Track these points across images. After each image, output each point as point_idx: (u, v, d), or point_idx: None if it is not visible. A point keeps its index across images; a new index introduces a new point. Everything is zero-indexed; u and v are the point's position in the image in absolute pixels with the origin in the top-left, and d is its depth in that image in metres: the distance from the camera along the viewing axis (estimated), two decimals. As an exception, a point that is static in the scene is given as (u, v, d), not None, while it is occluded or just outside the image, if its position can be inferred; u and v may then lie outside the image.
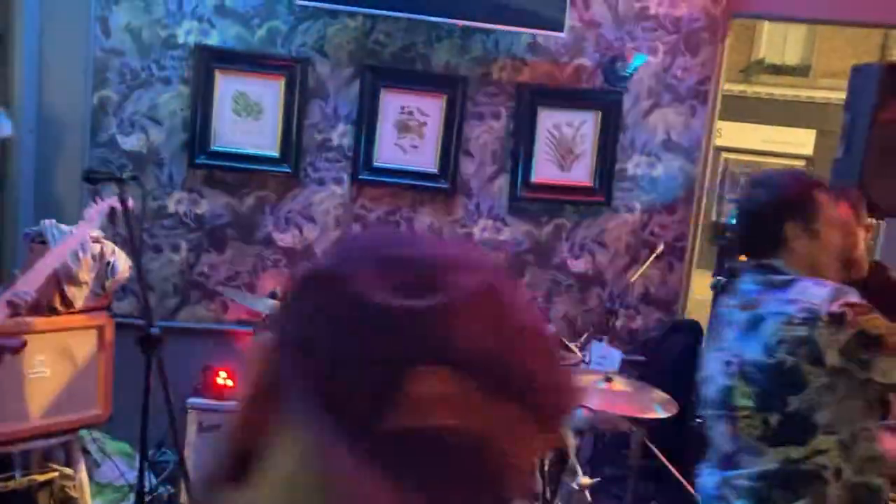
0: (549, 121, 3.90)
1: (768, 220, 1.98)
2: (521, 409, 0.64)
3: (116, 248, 3.35)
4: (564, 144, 3.93)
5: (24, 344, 2.54)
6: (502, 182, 3.94)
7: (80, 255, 3.22)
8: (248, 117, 3.72)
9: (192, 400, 3.39)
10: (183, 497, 3.43)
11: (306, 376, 0.64)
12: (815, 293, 1.83)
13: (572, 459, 2.62)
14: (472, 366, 0.62)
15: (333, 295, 0.65)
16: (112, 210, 2.89)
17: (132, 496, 3.49)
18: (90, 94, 3.65)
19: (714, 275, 3.83)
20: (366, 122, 3.77)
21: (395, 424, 0.61)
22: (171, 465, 3.60)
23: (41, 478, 3.46)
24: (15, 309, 2.45)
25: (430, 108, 3.83)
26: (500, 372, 0.63)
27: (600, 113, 3.92)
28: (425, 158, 3.85)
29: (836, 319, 1.77)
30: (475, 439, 0.62)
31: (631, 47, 3.91)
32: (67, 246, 2.74)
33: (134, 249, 2.74)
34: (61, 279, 3.17)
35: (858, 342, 1.76)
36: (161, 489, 3.51)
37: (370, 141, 3.78)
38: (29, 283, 2.52)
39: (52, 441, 3.33)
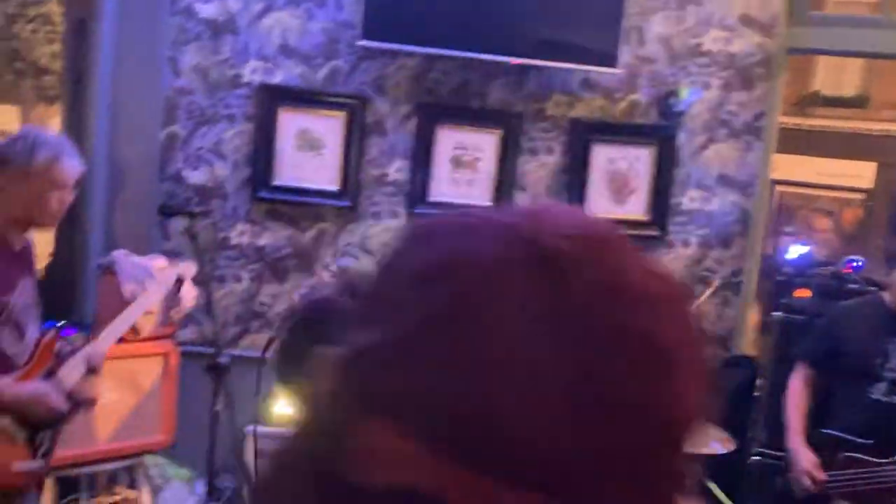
0: (603, 156, 3.93)
1: None
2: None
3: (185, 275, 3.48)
4: (619, 179, 3.96)
5: (97, 400, 2.63)
6: (556, 216, 3.97)
7: (148, 285, 3.36)
8: (310, 153, 3.84)
9: (251, 427, 3.47)
10: (240, 523, 3.51)
11: None
12: None
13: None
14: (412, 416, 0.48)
15: None
16: (179, 278, 3.06)
17: None
18: (159, 130, 3.81)
19: (770, 311, 3.79)
20: (421, 158, 3.86)
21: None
22: (230, 492, 3.68)
23: (106, 500, 3.57)
24: (93, 371, 2.54)
25: (485, 144, 3.90)
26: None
27: (655, 148, 3.94)
28: (480, 193, 3.91)
29: None
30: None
31: (685, 83, 3.93)
32: (140, 306, 2.85)
33: (204, 280, 2.85)
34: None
35: None
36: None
37: (425, 176, 3.86)
38: (106, 342, 2.63)
39: (118, 465, 3.44)
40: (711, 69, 3.96)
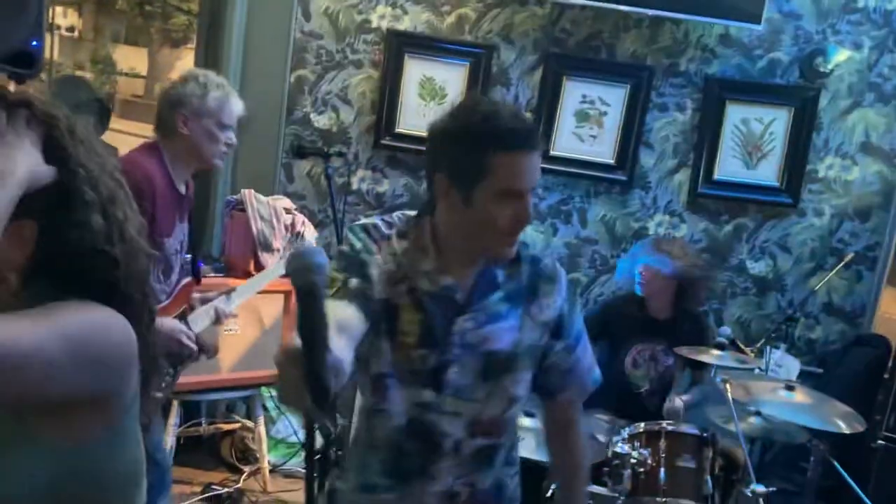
0: (737, 115, 3.75)
1: None
2: None
3: (306, 220, 3.56)
4: (752, 141, 3.77)
5: (217, 351, 2.72)
6: (682, 177, 3.83)
7: (275, 224, 3.45)
8: (432, 102, 3.83)
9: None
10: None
11: None
12: None
13: (746, 464, 2.53)
14: None
15: None
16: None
17: (302, 453, 3.71)
18: (288, 73, 3.87)
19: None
20: (546, 110, 3.78)
21: None
22: (339, 429, 3.79)
23: (225, 427, 3.75)
24: (219, 320, 2.62)
25: (612, 98, 3.78)
26: None
27: (793, 110, 3.73)
28: (604, 149, 3.81)
29: None
30: None
31: (833, 41, 3.68)
32: (261, 283, 2.88)
33: (336, 222, 2.90)
34: (257, 246, 3.41)
35: None
36: (329, 451, 3.70)
37: (549, 128, 3.78)
38: (235, 302, 2.67)
39: (237, 394, 3.60)
40: (864, 27, 3.69)
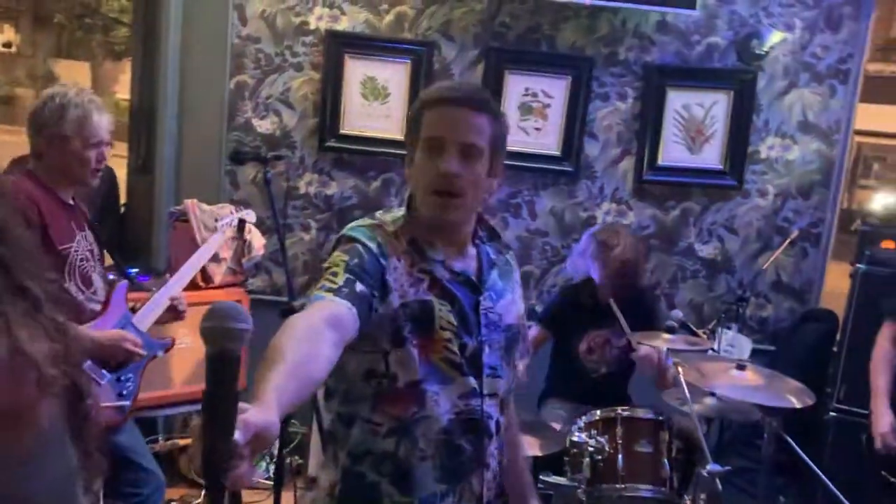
0: (678, 101, 3.79)
1: None
2: None
3: (252, 227, 3.51)
4: (694, 126, 3.82)
5: (174, 343, 2.73)
6: (627, 165, 3.87)
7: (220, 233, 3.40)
8: (375, 101, 3.80)
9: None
10: (310, 467, 3.58)
11: None
12: None
13: (702, 446, 2.55)
14: None
15: None
16: (241, 223, 3.14)
17: (263, 464, 3.66)
18: (227, 79, 3.82)
19: (852, 263, 3.64)
20: (490, 105, 3.77)
21: None
22: (299, 437, 3.75)
23: (182, 442, 3.68)
24: (177, 315, 2.64)
25: (555, 90, 3.80)
26: None
27: (732, 93, 3.78)
28: (548, 141, 3.83)
29: None
30: None
31: (766, 24, 3.75)
32: (199, 262, 2.92)
33: (277, 227, 2.89)
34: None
35: None
36: (288, 459, 3.66)
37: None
38: (179, 285, 2.70)
39: (193, 408, 3.53)
40: (795, 9, 3.76)
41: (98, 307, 2.49)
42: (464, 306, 1.54)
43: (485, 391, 1.56)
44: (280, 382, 1.12)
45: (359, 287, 1.40)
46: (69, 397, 1.06)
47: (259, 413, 1.00)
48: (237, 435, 0.93)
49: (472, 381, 1.54)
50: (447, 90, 1.54)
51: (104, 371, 2.49)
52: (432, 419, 1.51)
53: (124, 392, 2.55)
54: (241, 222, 3.19)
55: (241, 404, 0.96)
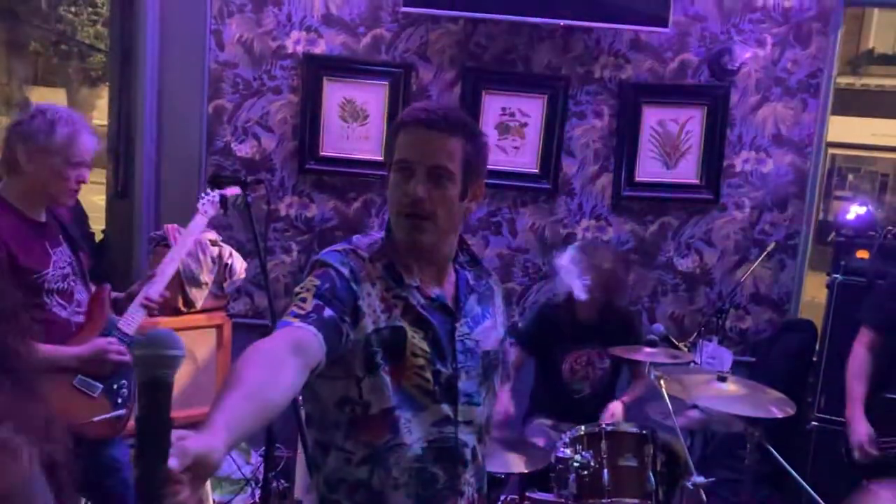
0: (653, 118, 3.84)
1: None
2: None
3: (233, 251, 3.51)
4: (669, 141, 3.87)
5: None
6: (605, 181, 3.91)
7: (201, 257, 3.39)
8: (354, 123, 3.82)
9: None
10: (296, 491, 3.55)
11: None
12: None
13: (686, 458, 2.57)
14: None
15: None
16: (223, 198, 2.97)
17: (248, 489, 3.64)
18: (206, 104, 3.83)
19: (829, 274, 3.69)
20: (468, 125, 3.80)
21: None
22: (284, 461, 3.73)
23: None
24: (150, 312, 2.62)
25: (531, 109, 3.84)
26: None
27: (706, 108, 3.84)
28: (527, 159, 3.86)
29: None
30: None
31: (738, 40, 3.82)
32: (185, 244, 2.89)
33: (258, 250, 2.87)
34: (184, 281, 3.34)
35: None
36: (274, 483, 3.63)
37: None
38: (157, 285, 2.67)
39: (181, 432, 3.50)
40: (765, 25, 3.83)
41: (83, 319, 2.48)
42: (438, 333, 1.53)
43: (459, 418, 1.55)
44: (235, 407, 1.12)
45: (327, 312, 1.39)
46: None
47: (200, 439, 1.00)
48: (171, 461, 0.92)
49: (446, 409, 1.53)
50: (419, 112, 1.53)
51: (96, 382, 2.47)
52: (405, 447, 1.50)
53: (119, 400, 2.53)
54: (223, 198, 3.03)
55: (181, 431, 0.95)
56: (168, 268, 2.74)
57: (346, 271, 1.47)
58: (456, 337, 1.55)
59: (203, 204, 2.93)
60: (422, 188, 1.47)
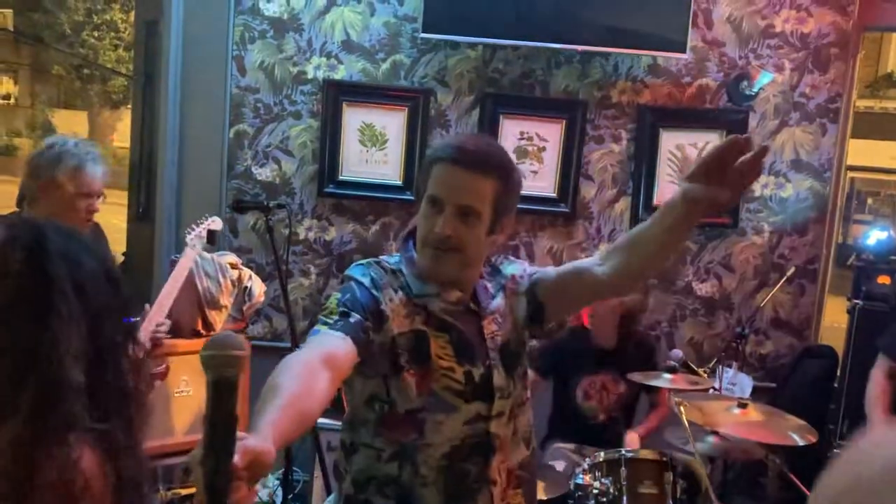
0: (671, 142, 3.85)
1: None
2: None
3: (253, 274, 3.53)
4: (687, 166, 3.86)
5: (168, 369, 2.73)
6: (623, 205, 3.91)
7: (221, 280, 3.41)
8: (374, 147, 3.85)
9: (320, 421, 3.50)
10: (313, 515, 3.54)
11: None
12: None
13: (707, 486, 2.55)
14: None
15: None
16: (210, 232, 3.04)
17: (265, 512, 3.63)
18: (227, 128, 3.87)
19: (850, 299, 3.66)
20: (486, 149, 3.82)
21: None
22: (302, 484, 3.72)
23: (184, 492, 3.65)
24: (157, 343, 2.62)
25: (549, 133, 3.86)
26: None
27: (725, 132, 3.84)
28: (545, 183, 3.87)
29: None
30: None
31: (756, 65, 3.82)
32: (177, 278, 2.88)
33: (279, 273, 2.89)
34: (203, 304, 3.36)
35: None
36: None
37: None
38: (160, 312, 2.68)
39: (194, 457, 3.51)
40: (784, 51, 3.84)
41: None
42: (464, 335, 1.58)
43: (494, 413, 1.59)
44: (275, 416, 1.16)
45: (353, 318, 1.46)
46: None
47: (256, 440, 1.04)
48: (236, 458, 0.96)
49: (480, 407, 1.57)
50: (454, 150, 1.55)
51: None
52: (433, 447, 1.54)
53: None
54: (210, 232, 3.07)
55: (239, 433, 0.98)
56: (164, 300, 2.76)
57: (366, 280, 1.55)
58: (485, 335, 1.60)
59: (191, 238, 3.00)
60: (449, 226, 1.52)
